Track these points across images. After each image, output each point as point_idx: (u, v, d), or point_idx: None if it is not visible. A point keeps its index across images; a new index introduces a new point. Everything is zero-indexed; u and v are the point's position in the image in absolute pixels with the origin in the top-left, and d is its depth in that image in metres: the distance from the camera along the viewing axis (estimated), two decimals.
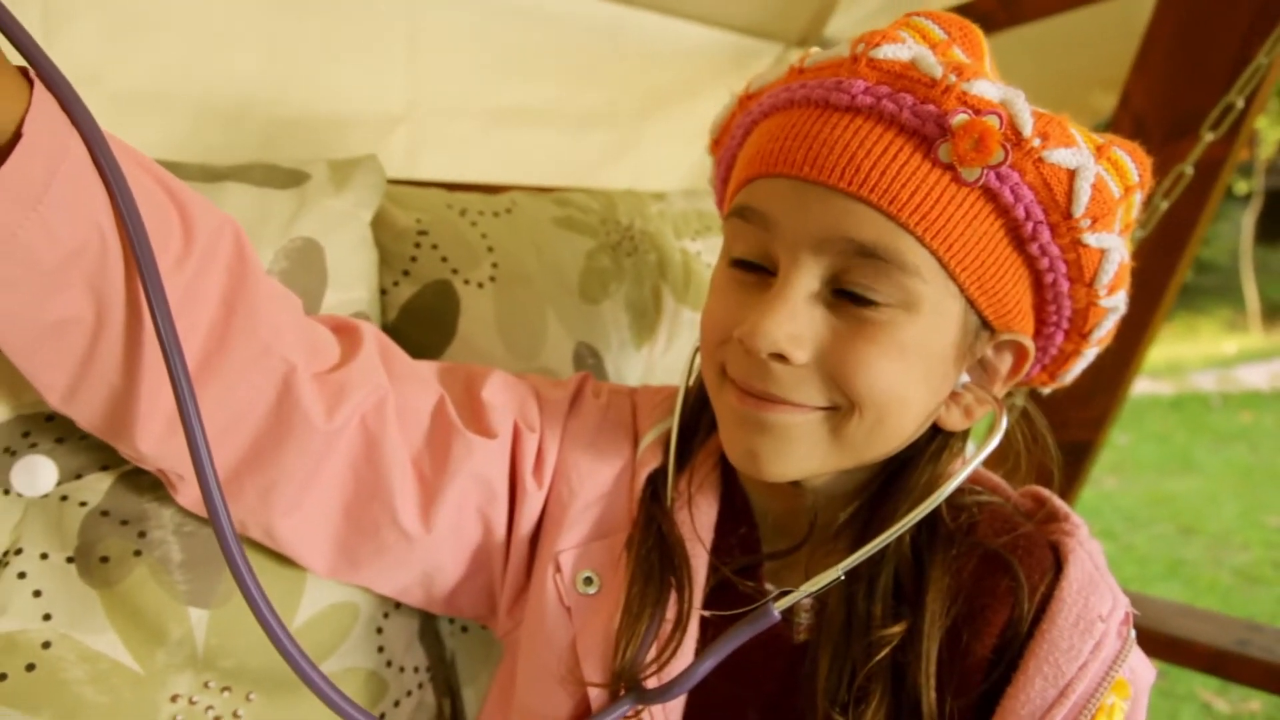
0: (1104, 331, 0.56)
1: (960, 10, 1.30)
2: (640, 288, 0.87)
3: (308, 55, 0.95)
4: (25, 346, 0.46)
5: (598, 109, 1.23)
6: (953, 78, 0.47)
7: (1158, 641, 1.11)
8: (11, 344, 0.46)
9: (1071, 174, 0.48)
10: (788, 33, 1.38)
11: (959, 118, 0.46)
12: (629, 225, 0.88)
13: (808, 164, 0.49)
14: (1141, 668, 0.55)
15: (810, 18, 1.36)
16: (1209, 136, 0.99)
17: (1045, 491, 0.63)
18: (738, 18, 1.33)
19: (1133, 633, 0.54)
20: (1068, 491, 1.25)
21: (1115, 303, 0.54)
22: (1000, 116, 0.47)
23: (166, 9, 0.85)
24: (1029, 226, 0.49)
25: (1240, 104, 0.97)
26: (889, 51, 0.49)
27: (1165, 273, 1.12)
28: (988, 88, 0.47)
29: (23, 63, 0.44)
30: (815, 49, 0.56)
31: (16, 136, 0.40)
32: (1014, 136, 0.47)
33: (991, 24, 1.31)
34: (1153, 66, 1.10)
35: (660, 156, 1.30)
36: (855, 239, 0.48)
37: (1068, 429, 1.24)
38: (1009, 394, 0.63)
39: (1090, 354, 0.59)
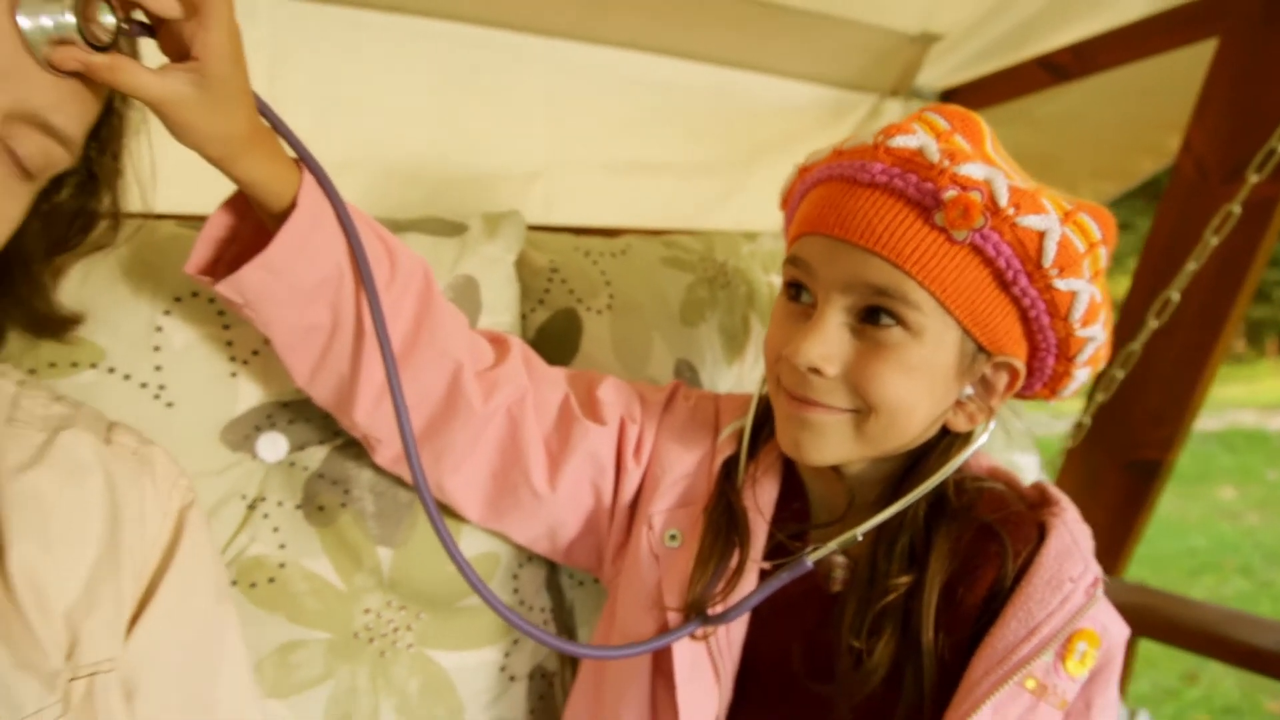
0: (1087, 356, 0.70)
1: (1038, 63, 1.43)
2: (732, 315, 1.05)
3: (466, 126, 1.18)
4: (287, 343, 0.68)
5: (707, 161, 1.41)
6: (946, 162, 0.63)
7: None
8: (279, 341, 0.68)
9: (1041, 234, 0.63)
10: (881, 85, 1.54)
11: (950, 193, 0.62)
12: (724, 262, 1.06)
13: (838, 226, 0.66)
14: (1113, 625, 0.69)
15: (900, 71, 1.51)
16: (1254, 178, 1.10)
17: (1049, 485, 0.77)
18: (834, 74, 1.50)
19: (1100, 592, 0.68)
20: (1139, 506, 1.35)
21: (1092, 333, 0.68)
22: (982, 192, 0.62)
23: (358, 96, 1.09)
24: (1010, 274, 0.64)
25: (1273, 154, 1.07)
26: (901, 141, 0.66)
27: (1224, 304, 1.21)
28: (974, 169, 0.63)
29: (293, 155, 0.66)
30: (853, 135, 0.73)
31: (293, 205, 0.62)
32: (993, 206, 0.62)
33: (1066, 74, 1.43)
34: (1210, 113, 1.21)
35: (761, 200, 1.47)
36: (872, 283, 0.65)
37: (1140, 449, 1.34)
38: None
39: (1081, 374, 0.72)
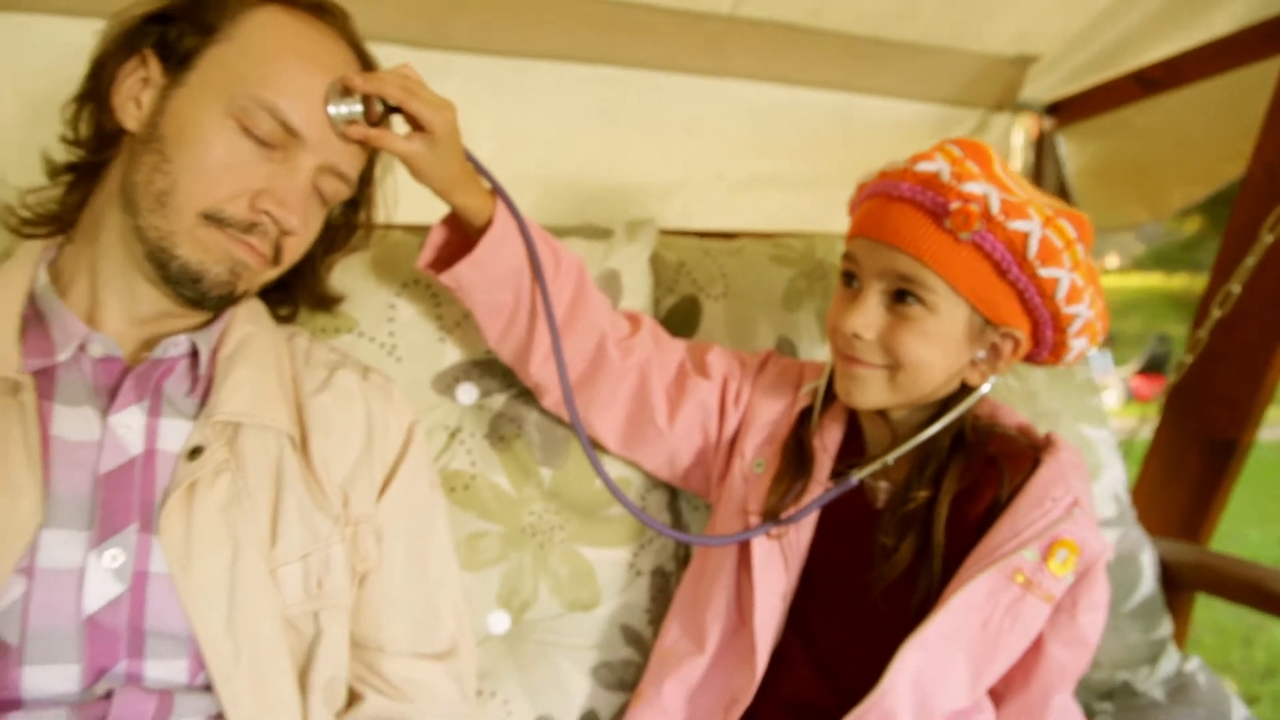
0: (1078, 328, 0.89)
1: (1132, 77, 1.57)
2: (826, 301, 1.28)
3: (615, 149, 1.47)
4: (483, 316, 0.96)
5: (825, 174, 1.63)
6: (955, 181, 0.85)
7: None
8: (478, 314, 0.96)
9: (1026, 234, 0.83)
10: (986, 101, 1.72)
11: (955, 205, 0.84)
12: (821, 259, 1.29)
13: (875, 230, 0.89)
14: (1092, 539, 0.88)
15: (1003, 88, 1.69)
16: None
17: (1057, 436, 0.96)
18: (942, 92, 1.69)
19: (1079, 512, 0.87)
20: (1218, 482, 1.48)
21: (1077, 310, 0.87)
22: (980, 203, 0.84)
23: (528, 127, 1.39)
24: (1004, 265, 0.85)
25: None
26: (923, 166, 0.88)
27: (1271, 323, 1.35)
28: (975, 186, 0.84)
29: (489, 186, 0.95)
30: (892, 161, 0.95)
31: (489, 222, 0.91)
32: (988, 215, 0.84)
33: (1157, 87, 1.58)
34: (1275, 127, 1.35)
35: None
36: (899, 272, 0.87)
37: (1216, 427, 1.48)
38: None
39: (1078, 344, 0.91)
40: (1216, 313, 1.35)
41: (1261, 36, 1.37)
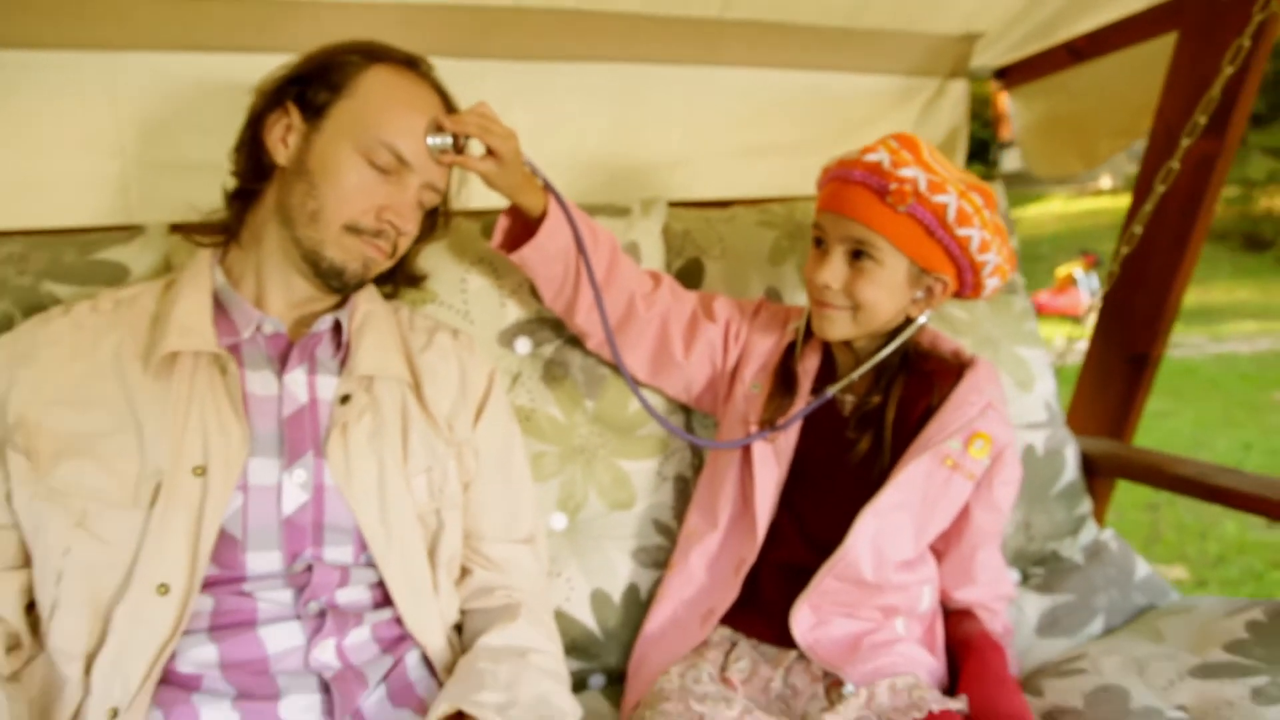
0: (990, 270, 1.17)
1: (1064, 47, 1.82)
2: (804, 257, 1.56)
3: (629, 130, 1.73)
4: (541, 283, 1.25)
5: (805, 142, 1.89)
6: (892, 168, 1.13)
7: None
8: (537, 282, 1.25)
9: (945, 205, 1.11)
10: (941, 70, 1.97)
11: (893, 185, 1.12)
12: (801, 221, 1.57)
13: (836, 206, 1.16)
14: (1001, 431, 1.18)
15: (955, 60, 1.94)
16: (1185, 142, 1.51)
17: (978, 356, 1.24)
18: (903, 66, 1.94)
19: (991, 412, 1.17)
20: (1138, 389, 1.78)
21: (987, 258, 1.15)
22: (911, 184, 1.12)
23: (555, 117, 1.66)
24: (932, 228, 1.13)
25: (1203, 120, 1.49)
26: (870, 156, 1.15)
27: (1186, 231, 1.63)
28: (907, 171, 1.12)
29: (542, 183, 1.22)
30: (850, 149, 1.22)
31: (544, 214, 1.19)
32: (918, 192, 1.12)
33: (1084, 56, 1.84)
34: (1171, 92, 1.61)
35: None
36: (855, 236, 1.15)
37: (1136, 344, 1.77)
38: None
39: (991, 282, 1.19)
40: (1125, 250, 1.63)
41: (1162, 14, 1.64)
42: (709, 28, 1.67)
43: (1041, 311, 8.88)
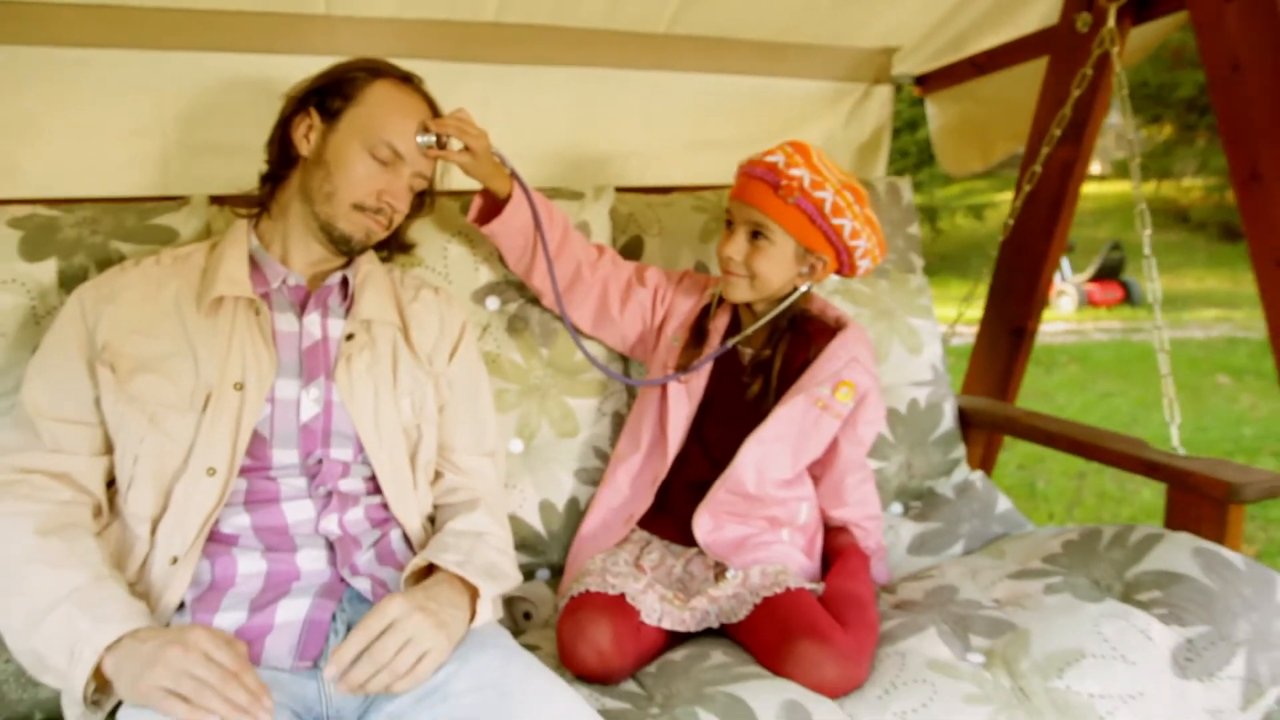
0: (861, 253, 1.48)
1: (968, 61, 2.14)
2: None
3: (589, 125, 2.05)
4: (507, 251, 1.57)
5: (748, 138, 2.21)
6: (785, 167, 1.44)
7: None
8: (504, 251, 1.57)
9: (823, 199, 1.43)
10: (867, 77, 2.28)
11: (784, 181, 1.43)
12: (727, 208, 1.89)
13: (742, 195, 1.48)
14: (864, 380, 1.50)
15: (878, 69, 2.26)
16: (1045, 149, 1.83)
17: (853, 320, 1.57)
18: (834, 73, 2.26)
19: (855, 364, 1.50)
20: (1018, 358, 2.11)
21: (858, 244, 1.47)
22: (798, 181, 1.43)
23: (525, 112, 1.97)
24: (813, 216, 1.44)
25: (1057, 132, 1.81)
26: (770, 158, 1.46)
27: (1052, 223, 1.95)
28: (796, 170, 1.43)
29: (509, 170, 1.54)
30: (758, 152, 1.54)
31: (509, 195, 1.51)
32: (802, 188, 1.43)
33: (984, 70, 2.15)
34: (1041, 106, 1.93)
35: None
36: (755, 220, 1.46)
37: (1015, 319, 2.10)
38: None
39: (864, 263, 1.51)
40: (1000, 237, 1.95)
41: (1038, 40, 1.95)
42: (657, 40, 1.99)
43: None
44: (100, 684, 1.09)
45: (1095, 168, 17.91)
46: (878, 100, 2.33)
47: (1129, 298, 8.87)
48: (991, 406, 2.02)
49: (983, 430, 2.03)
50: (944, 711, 1.19)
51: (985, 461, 2.07)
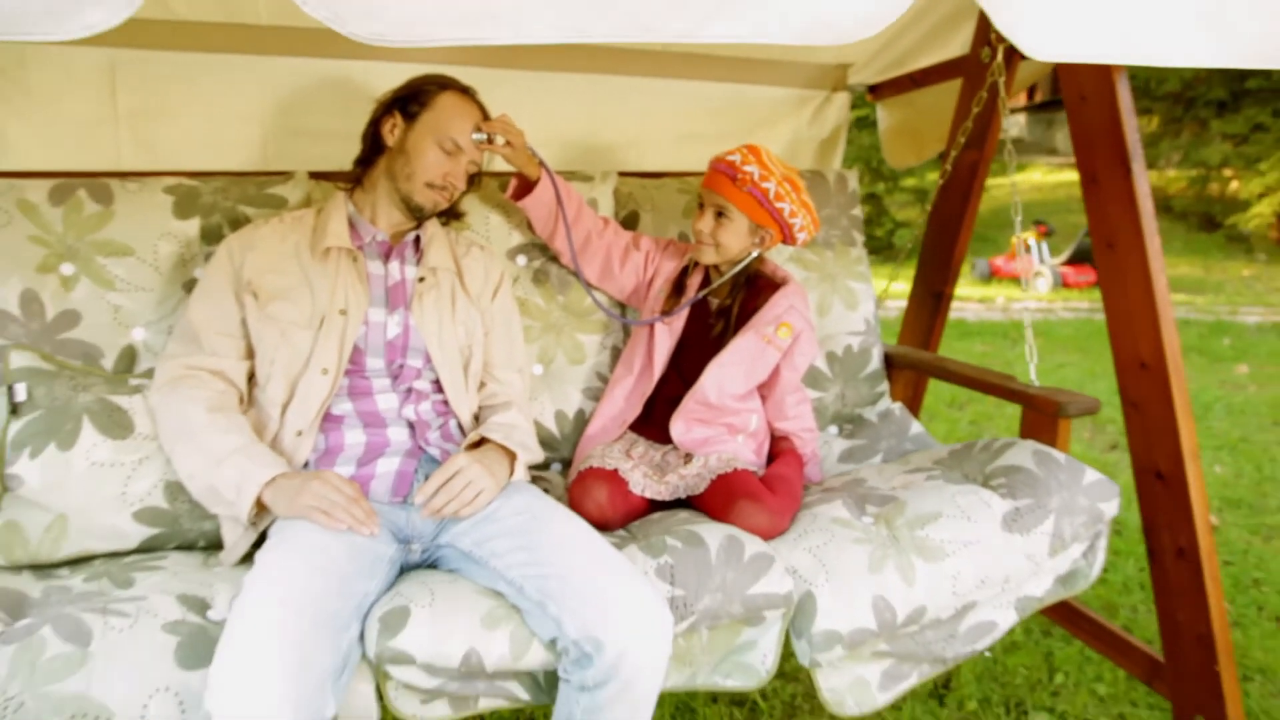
0: (798, 227, 1.98)
1: (907, 76, 2.64)
2: None
3: (599, 120, 2.55)
4: (536, 222, 2.08)
5: (724, 133, 2.71)
6: (740, 164, 1.93)
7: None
8: (534, 221, 2.08)
9: (769, 188, 1.93)
10: (827, 85, 2.77)
11: (739, 175, 1.93)
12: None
13: (710, 184, 1.97)
14: (798, 321, 2.00)
15: (835, 79, 2.75)
16: (953, 153, 2.33)
17: (792, 276, 2.08)
18: (799, 82, 2.75)
19: (792, 310, 2.00)
20: (938, 317, 2.61)
21: (797, 221, 1.96)
22: (749, 174, 1.93)
23: (548, 109, 2.47)
24: (762, 200, 1.93)
25: (962, 140, 2.30)
26: (730, 156, 1.95)
27: (961, 211, 2.45)
28: (749, 167, 1.92)
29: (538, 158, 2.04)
30: (723, 151, 2.03)
31: (539, 179, 2.01)
32: (753, 180, 1.93)
33: (919, 84, 2.64)
34: (956, 118, 2.43)
35: None
36: (718, 203, 1.95)
37: (935, 285, 2.61)
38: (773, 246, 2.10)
39: (801, 235, 2.01)
40: (920, 219, 2.45)
41: (956, 64, 2.44)
42: (655, 54, 2.48)
43: (996, 274, 9.71)
44: (258, 511, 1.59)
45: None
46: (836, 105, 2.81)
47: None
48: (909, 353, 2.53)
49: (903, 371, 2.54)
50: (838, 549, 1.70)
51: (914, 400, 2.58)
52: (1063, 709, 2.36)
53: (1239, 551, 3.30)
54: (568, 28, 1.01)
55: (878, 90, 2.82)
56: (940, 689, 2.43)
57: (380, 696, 1.45)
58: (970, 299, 8.53)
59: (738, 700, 2.37)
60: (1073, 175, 15.84)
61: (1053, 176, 16.57)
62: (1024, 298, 8.89)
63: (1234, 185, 12.51)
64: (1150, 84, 13.07)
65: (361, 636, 1.43)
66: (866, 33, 1.09)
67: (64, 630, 1.31)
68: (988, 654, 2.59)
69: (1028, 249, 9.68)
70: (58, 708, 1.23)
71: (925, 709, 2.34)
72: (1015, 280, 9.61)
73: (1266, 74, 11.23)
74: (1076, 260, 9.35)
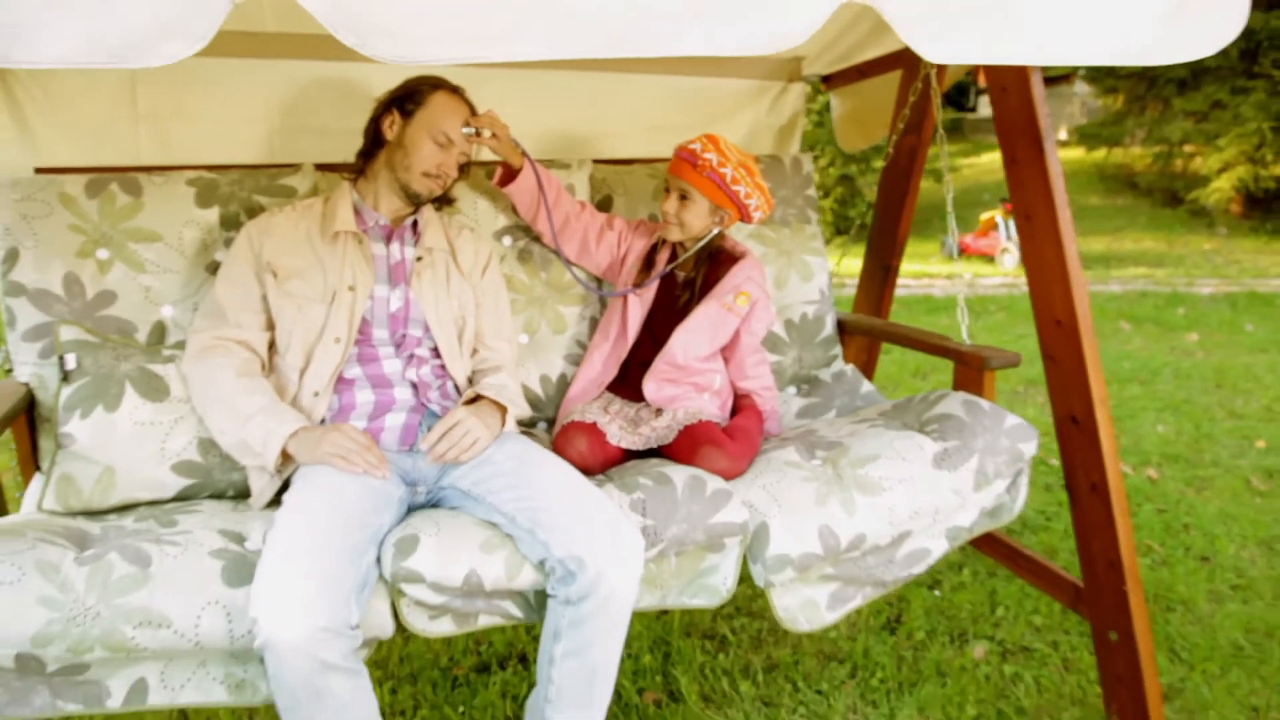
0: (753, 207, 2.21)
1: (854, 68, 2.89)
2: None
3: (577, 112, 2.77)
4: (520, 205, 2.31)
5: (692, 123, 2.94)
6: (701, 151, 2.17)
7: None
8: (518, 205, 2.31)
9: (725, 173, 2.16)
10: (784, 77, 3.01)
11: (699, 161, 2.16)
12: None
13: (674, 170, 2.20)
14: (754, 290, 2.25)
15: (791, 70, 2.98)
16: (893, 137, 2.57)
17: (749, 250, 2.32)
18: (759, 74, 2.98)
19: (749, 281, 2.24)
20: (887, 287, 2.86)
21: (752, 201, 2.19)
22: (708, 160, 2.16)
23: (531, 103, 2.70)
24: (720, 183, 2.16)
25: (901, 126, 2.55)
26: (691, 145, 2.19)
27: (904, 190, 2.70)
28: (707, 154, 2.15)
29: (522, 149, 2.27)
30: (686, 140, 2.27)
31: (522, 167, 2.25)
32: (712, 166, 2.16)
33: (865, 75, 2.88)
34: (897, 106, 2.67)
35: None
36: (682, 187, 2.19)
37: (885, 259, 2.85)
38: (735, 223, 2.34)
39: (756, 215, 2.24)
40: (868, 201, 2.70)
41: (897, 57, 2.68)
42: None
43: (965, 251, 10.00)
44: (283, 460, 1.83)
45: (1062, 134, 18.65)
46: (793, 94, 3.05)
47: None
48: (859, 319, 2.78)
49: (854, 336, 2.79)
50: (789, 486, 1.95)
51: (868, 364, 2.83)
52: (1002, 637, 2.62)
53: (1173, 501, 3.58)
54: (556, 46, 1.24)
55: (829, 80, 3.06)
56: (892, 623, 2.70)
57: (395, 614, 1.69)
58: (939, 275, 8.81)
59: (709, 634, 2.63)
60: (1065, 152, 16.16)
61: None
62: (993, 274, 9.16)
63: (1196, 161, 12.82)
64: None
65: (378, 561, 1.67)
66: (787, 45, 1.32)
67: (127, 556, 1.55)
68: (937, 593, 2.86)
69: (995, 227, 9.95)
70: (127, 617, 1.47)
71: (878, 639, 2.60)
72: (984, 257, 9.90)
73: (1224, 51, 11.54)
74: None
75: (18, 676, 1.50)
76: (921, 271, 9.09)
